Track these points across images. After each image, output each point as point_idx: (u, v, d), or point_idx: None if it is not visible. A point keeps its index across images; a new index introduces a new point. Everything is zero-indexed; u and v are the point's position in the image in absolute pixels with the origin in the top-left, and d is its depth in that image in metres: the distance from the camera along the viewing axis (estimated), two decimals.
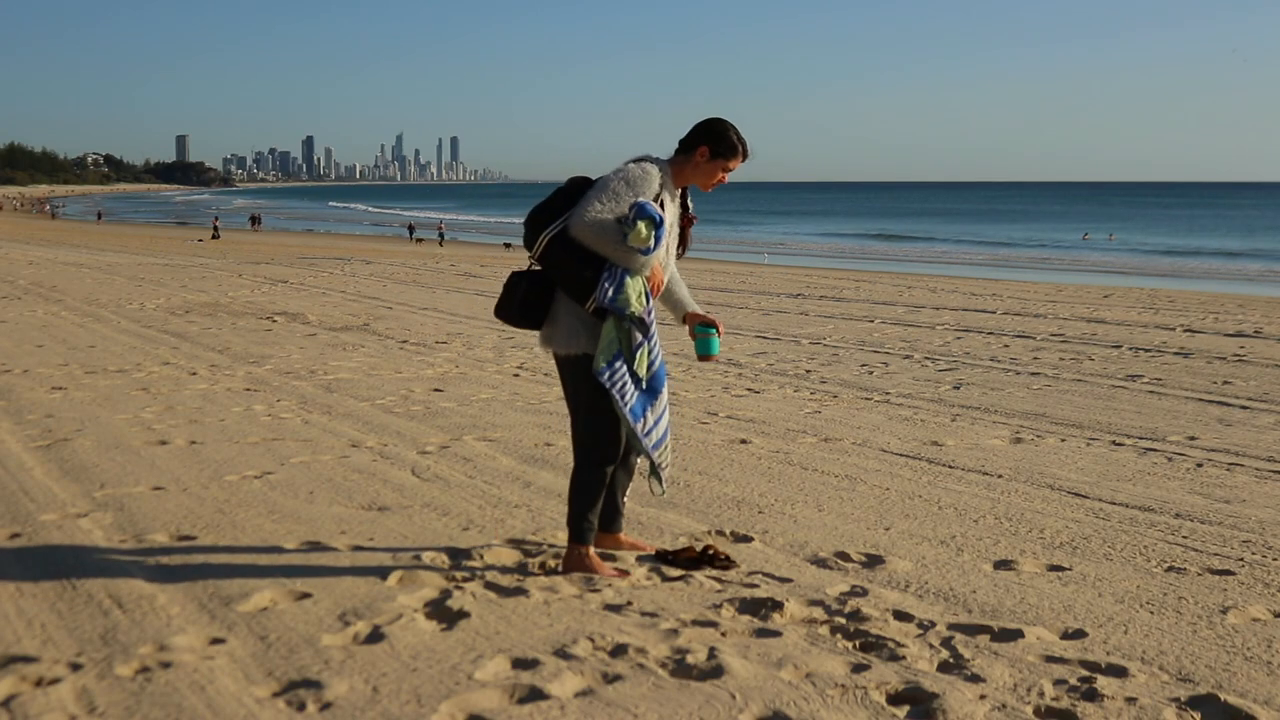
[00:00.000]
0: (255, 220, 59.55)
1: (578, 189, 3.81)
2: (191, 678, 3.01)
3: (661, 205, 3.78)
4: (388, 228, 62.93)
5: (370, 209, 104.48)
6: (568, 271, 3.76)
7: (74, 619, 3.43)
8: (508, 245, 42.84)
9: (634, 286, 3.73)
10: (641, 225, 3.64)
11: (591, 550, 3.93)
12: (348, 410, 7.04)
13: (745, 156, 3.89)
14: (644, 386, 3.81)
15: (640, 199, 3.68)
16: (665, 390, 3.91)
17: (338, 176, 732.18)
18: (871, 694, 2.97)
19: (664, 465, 3.99)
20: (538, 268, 3.86)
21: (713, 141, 3.82)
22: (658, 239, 3.67)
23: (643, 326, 3.76)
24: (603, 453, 3.86)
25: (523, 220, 3.89)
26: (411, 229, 52.48)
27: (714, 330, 3.96)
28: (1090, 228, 60.78)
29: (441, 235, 46.85)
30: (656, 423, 3.88)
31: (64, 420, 6.54)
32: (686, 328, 4.04)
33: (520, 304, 3.85)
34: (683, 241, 4.03)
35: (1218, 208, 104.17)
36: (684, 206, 3.99)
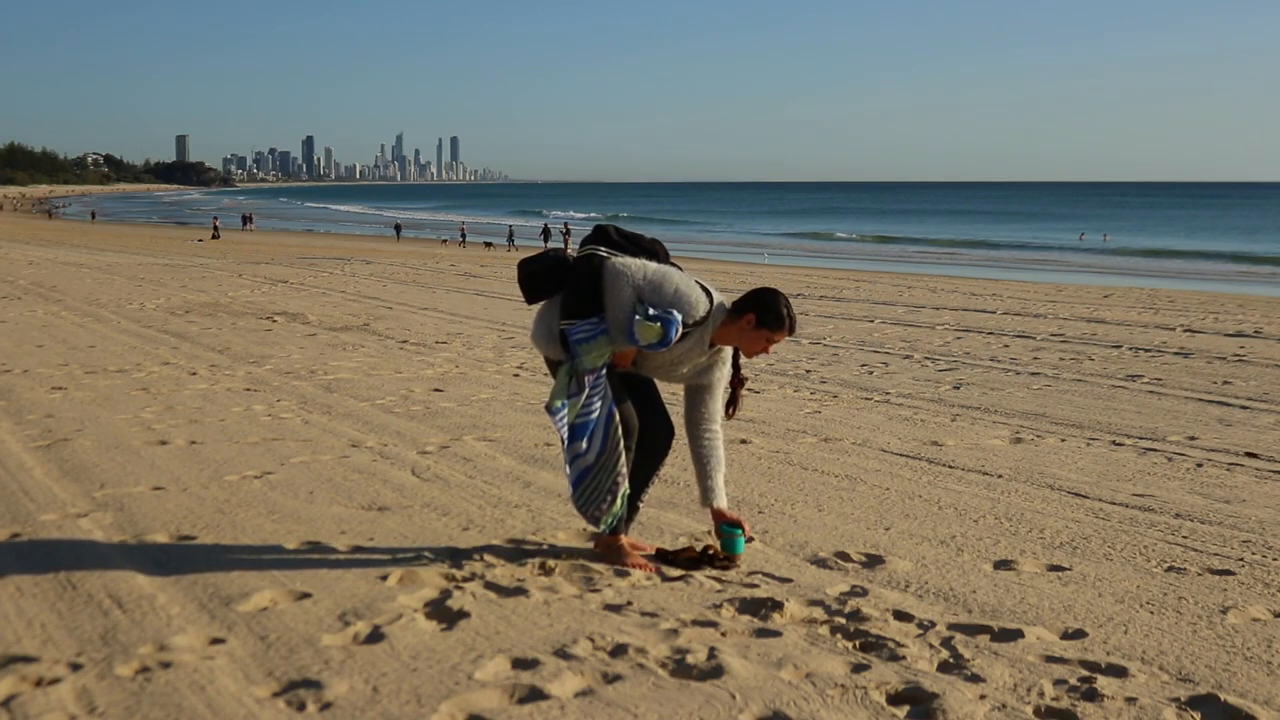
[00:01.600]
0: (248, 219, 60.10)
1: (652, 250, 4.02)
2: (191, 678, 3.01)
3: (683, 337, 3.86)
4: (372, 227, 63.59)
5: (350, 209, 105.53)
6: (577, 287, 3.84)
7: (74, 619, 3.43)
8: (489, 245, 42.86)
9: (601, 347, 3.83)
10: (656, 327, 3.73)
11: (621, 539, 4.05)
12: (348, 410, 7.04)
13: (791, 331, 3.93)
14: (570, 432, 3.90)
15: (676, 314, 3.76)
16: (581, 443, 3.88)
17: (338, 176, 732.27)
18: (871, 694, 2.97)
19: (591, 507, 3.94)
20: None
21: (760, 311, 3.86)
22: (651, 347, 3.78)
23: (580, 383, 3.84)
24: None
25: (595, 225, 4.08)
26: (399, 228, 52.90)
27: (739, 530, 4.04)
28: (1087, 228, 60.78)
29: (464, 236, 46.26)
30: (571, 463, 3.92)
31: (64, 420, 6.53)
32: (711, 523, 4.12)
33: (534, 272, 3.97)
34: (733, 401, 4.08)
35: (1216, 208, 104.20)
36: (735, 367, 4.06)
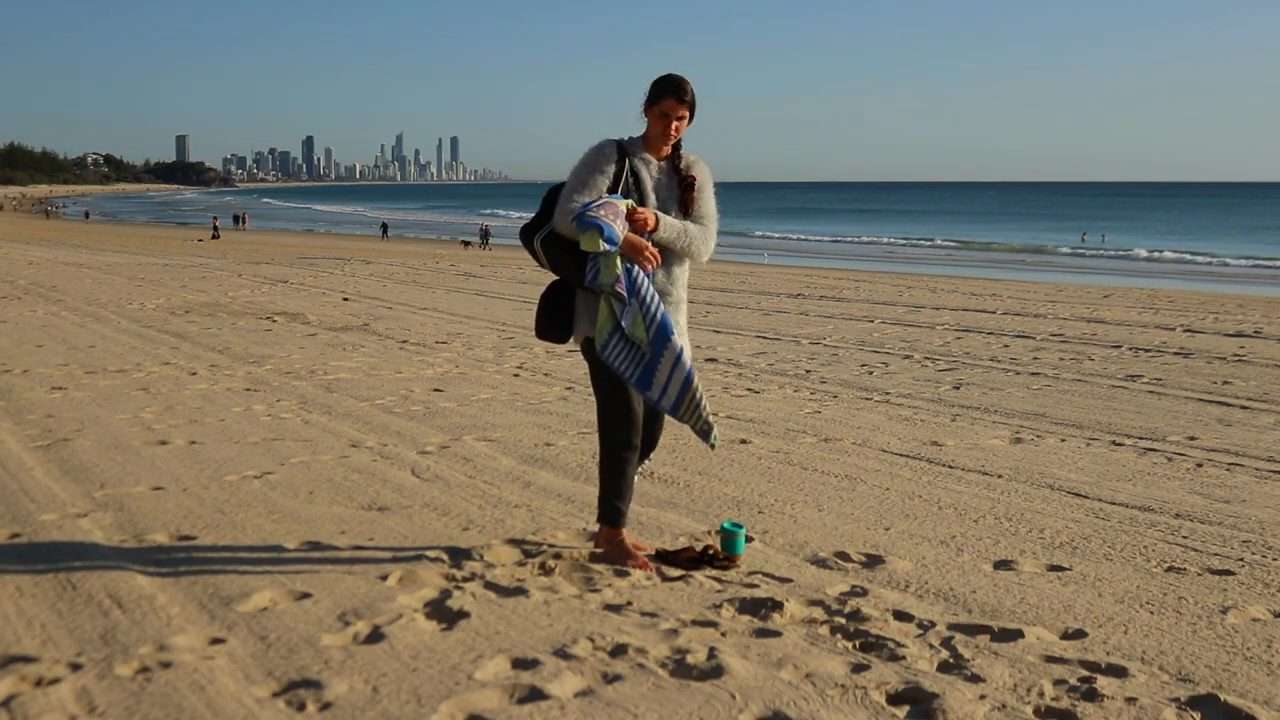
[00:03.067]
0: (240, 219, 60.41)
1: (555, 195, 3.93)
2: (191, 678, 3.01)
3: (635, 175, 3.85)
4: (358, 227, 64.14)
5: (329, 209, 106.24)
6: (564, 261, 3.85)
7: (74, 619, 3.43)
8: (466, 244, 42.67)
9: (608, 262, 3.77)
10: (584, 237, 3.69)
11: (621, 534, 4.04)
12: (348, 410, 7.04)
13: (681, 98, 3.85)
14: (647, 354, 3.79)
15: (584, 213, 3.68)
16: (676, 339, 3.80)
17: (338, 176, 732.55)
18: (871, 694, 2.97)
19: (699, 421, 3.88)
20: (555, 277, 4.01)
21: (649, 94, 3.88)
22: (611, 239, 3.68)
23: (619, 297, 3.78)
24: (614, 436, 3.95)
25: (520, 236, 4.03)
26: (385, 227, 53.08)
27: (742, 530, 4.10)
28: (1087, 228, 60.80)
29: (485, 237, 43.99)
30: (668, 383, 3.82)
31: (64, 420, 6.53)
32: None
33: (549, 316, 3.98)
34: (684, 207, 3.94)
35: (1216, 208, 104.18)
36: (678, 173, 3.95)
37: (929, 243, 49.43)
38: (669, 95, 3.85)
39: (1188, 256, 39.99)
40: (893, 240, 51.05)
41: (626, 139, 3.94)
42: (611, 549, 4.05)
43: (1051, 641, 3.37)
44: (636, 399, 3.94)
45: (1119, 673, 3.13)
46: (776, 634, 3.38)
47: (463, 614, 3.49)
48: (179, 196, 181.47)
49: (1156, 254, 40.86)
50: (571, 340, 4.03)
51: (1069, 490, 5.26)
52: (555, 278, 4.02)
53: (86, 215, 75.36)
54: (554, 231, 3.86)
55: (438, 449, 5.96)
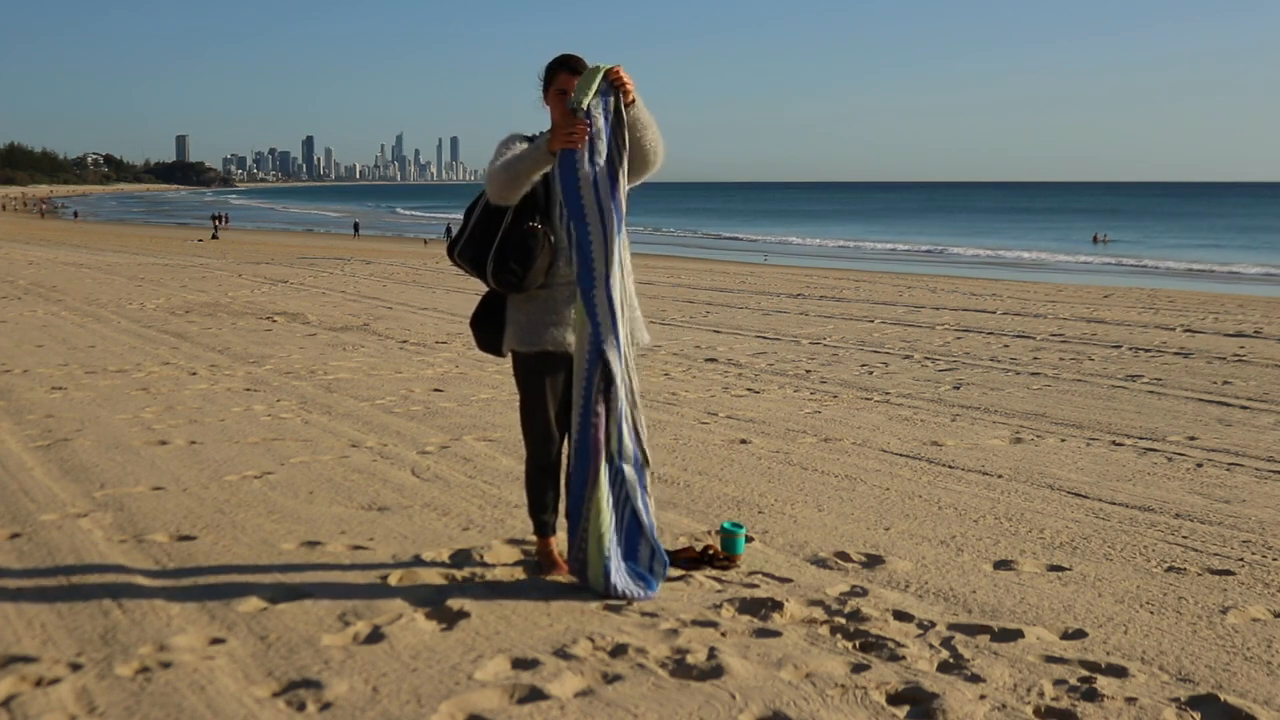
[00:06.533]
0: (223, 218, 61.07)
1: (473, 203, 3.90)
2: (191, 678, 3.01)
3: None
4: (324, 226, 64.82)
5: (297, 209, 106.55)
6: (481, 253, 3.80)
7: (74, 619, 3.43)
8: (426, 242, 42.80)
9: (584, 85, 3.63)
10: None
11: (546, 543, 3.94)
12: (348, 410, 7.04)
13: (576, 70, 3.74)
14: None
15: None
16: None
17: (338, 176, 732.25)
18: (871, 694, 2.97)
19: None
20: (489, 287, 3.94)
21: (542, 83, 3.78)
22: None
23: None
24: (531, 452, 3.87)
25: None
26: (356, 226, 53.86)
27: (742, 530, 4.12)
28: (1088, 228, 60.84)
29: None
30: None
31: (64, 420, 6.53)
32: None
33: (485, 328, 3.94)
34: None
35: (1216, 208, 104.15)
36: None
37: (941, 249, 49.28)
38: (562, 71, 3.75)
39: (1187, 260, 39.96)
40: (898, 246, 50.95)
41: (536, 134, 3.80)
42: (541, 557, 3.97)
43: (1051, 641, 3.37)
44: (553, 417, 3.83)
45: (1119, 673, 3.13)
46: (776, 634, 3.38)
47: (463, 614, 3.49)
48: (164, 195, 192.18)
49: (1158, 257, 40.82)
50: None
51: (1069, 490, 5.26)
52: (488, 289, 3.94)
53: (75, 215, 75.71)
54: (465, 245, 3.82)
55: (438, 449, 5.96)
